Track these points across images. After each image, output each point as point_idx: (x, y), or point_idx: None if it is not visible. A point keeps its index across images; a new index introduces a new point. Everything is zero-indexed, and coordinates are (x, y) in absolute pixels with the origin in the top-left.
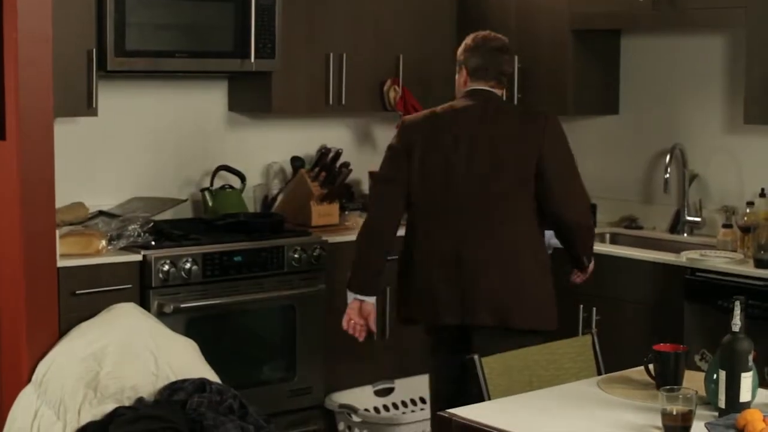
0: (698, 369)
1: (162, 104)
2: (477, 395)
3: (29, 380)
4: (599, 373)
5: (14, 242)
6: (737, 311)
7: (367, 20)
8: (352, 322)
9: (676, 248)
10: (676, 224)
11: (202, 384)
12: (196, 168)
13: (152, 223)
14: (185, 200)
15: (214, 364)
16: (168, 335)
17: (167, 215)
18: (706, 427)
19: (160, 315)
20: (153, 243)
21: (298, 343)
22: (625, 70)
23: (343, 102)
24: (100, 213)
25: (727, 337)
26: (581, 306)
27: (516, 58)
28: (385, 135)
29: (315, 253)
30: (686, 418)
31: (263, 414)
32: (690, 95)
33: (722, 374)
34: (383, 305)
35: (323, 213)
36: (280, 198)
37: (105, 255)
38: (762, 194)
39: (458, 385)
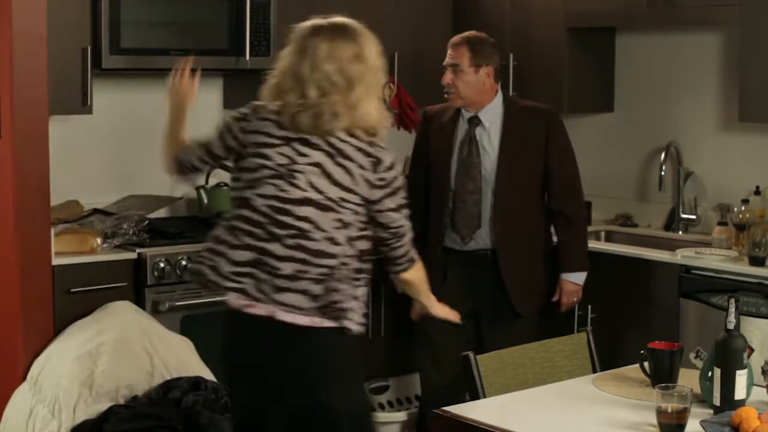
0: (693, 367)
1: (157, 102)
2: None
3: (24, 378)
4: (594, 371)
5: (9, 240)
6: (732, 309)
7: (361, 18)
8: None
9: (671, 246)
10: (671, 222)
11: (197, 382)
12: None
13: (147, 221)
14: (180, 198)
15: (209, 362)
16: (163, 333)
17: (162, 213)
18: (702, 425)
19: (155, 313)
20: (148, 241)
21: None
22: (621, 67)
23: None
24: (95, 211)
25: (722, 334)
26: (576, 304)
27: (511, 56)
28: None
29: None
30: (681, 416)
31: None
32: (685, 93)
33: (717, 372)
34: (379, 304)
35: None
36: None
37: (100, 253)
38: (757, 192)
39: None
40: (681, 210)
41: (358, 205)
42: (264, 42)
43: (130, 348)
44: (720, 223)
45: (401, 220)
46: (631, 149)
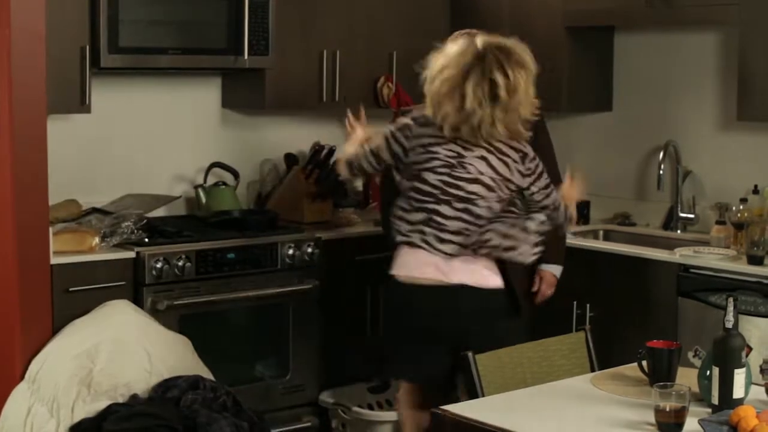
0: (691, 366)
1: (155, 101)
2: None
3: (22, 377)
4: (593, 370)
5: (7, 239)
6: (730, 308)
7: (360, 17)
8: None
9: (670, 245)
10: (670, 221)
11: (195, 381)
12: (189, 165)
13: (146, 220)
14: (179, 197)
15: (207, 361)
16: (161, 332)
17: (161, 212)
18: (700, 424)
19: (154, 312)
20: (146, 240)
21: (291, 339)
22: (619, 67)
23: (337, 99)
24: (94, 210)
25: (721, 333)
26: (575, 303)
27: None
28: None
29: (308, 250)
30: (679, 415)
31: (257, 411)
32: (683, 92)
33: (715, 371)
34: (376, 302)
35: (317, 210)
36: (273, 195)
37: (98, 252)
38: (755, 191)
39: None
40: (679, 209)
41: (513, 190)
42: (262, 41)
43: (128, 347)
44: (718, 222)
45: (552, 195)
46: (629, 148)
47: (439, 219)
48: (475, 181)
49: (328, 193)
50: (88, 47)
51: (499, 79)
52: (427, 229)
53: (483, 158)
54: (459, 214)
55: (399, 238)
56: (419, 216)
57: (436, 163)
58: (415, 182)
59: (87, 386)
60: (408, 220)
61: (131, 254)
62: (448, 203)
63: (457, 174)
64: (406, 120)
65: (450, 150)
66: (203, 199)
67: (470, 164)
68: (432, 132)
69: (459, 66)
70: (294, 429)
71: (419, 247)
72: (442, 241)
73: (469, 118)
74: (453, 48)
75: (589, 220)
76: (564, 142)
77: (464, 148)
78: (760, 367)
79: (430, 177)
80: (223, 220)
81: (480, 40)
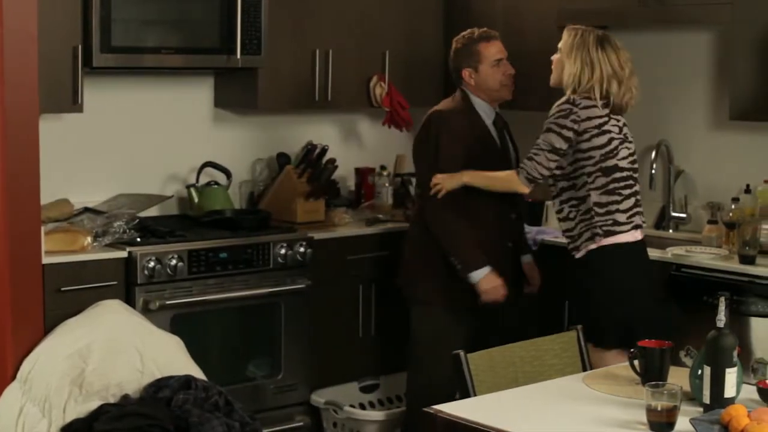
0: (683, 365)
1: (148, 100)
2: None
3: (14, 377)
4: (584, 369)
5: None
6: (722, 307)
7: (353, 16)
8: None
9: (662, 244)
10: (662, 220)
11: (187, 381)
12: (181, 164)
13: (138, 220)
14: (171, 197)
15: (199, 361)
16: (153, 332)
17: (153, 212)
18: (691, 423)
19: (146, 312)
20: (138, 240)
21: (283, 339)
22: None
23: (329, 98)
24: (86, 210)
25: (712, 333)
26: (566, 302)
27: None
28: (371, 131)
29: (300, 250)
30: (671, 414)
31: (249, 411)
32: (676, 91)
33: (707, 370)
34: (369, 302)
35: (309, 209)
36: (265, 195)
37: (90, 252)
38: (747, 190)
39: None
40: (671, 208)
41: None
42: (255, 40)
43: (120, 347)
44: (710, 222)
45: None
46: None
47: (639, 197)
48: (635, 152)
49: (321, 192)
50: (80, 47)
51: (630, 64)
52: (639, 210)
53: (625, 124)
54: (639, 187)
55: (618, 228)
56: (630, 202)
57: (615, 142)
58: (614, 173)
59: (79, 386)
60: (622, 210)
61: (123, 254)
62: (637, 180)
63: (631, 149)
64: (563, 105)
65: (614, 125)
66: (195, 199)
67: (627, 133)
68: (598, 112)
69: (603, 48)
70: (286, 429)
71: (641, 226)
72: (642, 214)
73: (633, 96)
74: (582, 45)
75: None
76: None
77: (617, 120)
78: (752, 366)
79: (624, 164)
80: (215, 220)
81: (601, 34)
